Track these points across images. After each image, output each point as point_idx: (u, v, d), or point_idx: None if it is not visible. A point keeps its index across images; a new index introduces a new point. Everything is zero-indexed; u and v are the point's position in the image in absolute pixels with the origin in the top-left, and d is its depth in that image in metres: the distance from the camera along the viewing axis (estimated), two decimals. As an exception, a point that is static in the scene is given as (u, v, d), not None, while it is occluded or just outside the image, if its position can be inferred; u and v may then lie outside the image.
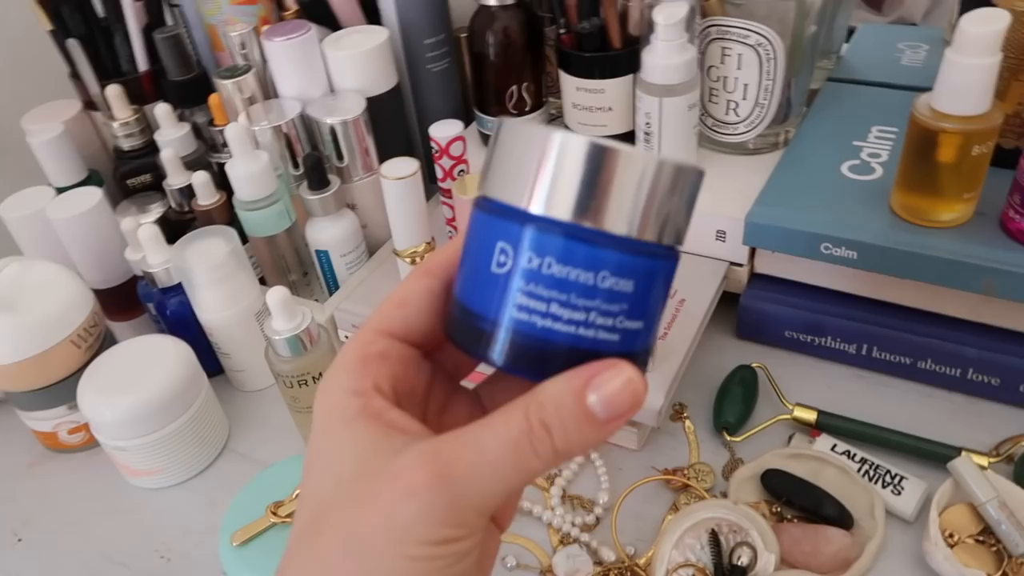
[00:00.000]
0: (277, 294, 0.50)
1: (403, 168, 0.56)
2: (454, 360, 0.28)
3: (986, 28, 0.45)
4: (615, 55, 0.62)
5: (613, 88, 0.63)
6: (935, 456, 0.50)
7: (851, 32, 0.78)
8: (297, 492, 0.45)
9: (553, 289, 0.22)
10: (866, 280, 0.56)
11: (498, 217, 0.23)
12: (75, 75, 0.77)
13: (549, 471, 0.22)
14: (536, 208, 0.22)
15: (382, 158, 0.63)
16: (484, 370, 0.28)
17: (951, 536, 0.46)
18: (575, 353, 0.22)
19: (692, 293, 0.58)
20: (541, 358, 0.22)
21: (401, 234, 0.57)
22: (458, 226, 0.61)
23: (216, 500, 0.55)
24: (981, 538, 0.45)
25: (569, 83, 0.64)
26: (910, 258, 0.51)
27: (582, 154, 0.22)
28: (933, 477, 0.49)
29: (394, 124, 0.69)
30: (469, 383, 0.29)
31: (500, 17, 0.64)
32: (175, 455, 0.55)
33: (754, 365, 0.57)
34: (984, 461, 0.49)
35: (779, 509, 0.49)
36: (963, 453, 0.49)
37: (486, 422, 0.23)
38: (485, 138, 0.71)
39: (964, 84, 0.46)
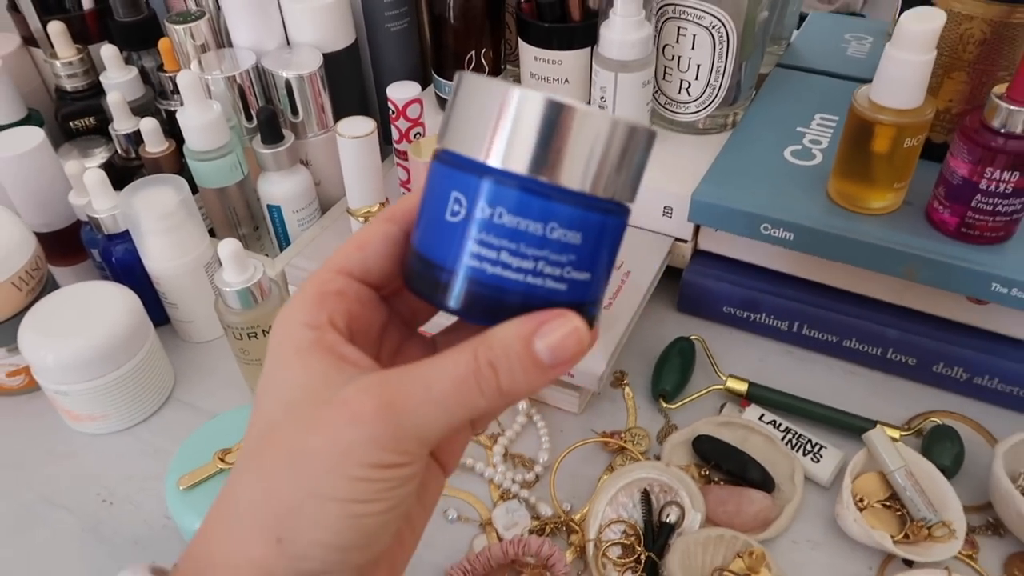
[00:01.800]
0: (229, 246, 0.50)
1: (360, 127, 0.56)
2: (411, 307, 0.29)
3: (924, 26, 0.47)
4: (574, 27, 0.62)
5: (571, 60, 0.63)
6: (853, 428, 0.54)
7: (802, 19, 0.80)
8: (246, 441, 0.46)
9: (504, 238, 0.23)
10: (800, 261, 0.59)
11: (454, 168, 0.24)
12: (14, 7, 0.74)
13: (492, 413, 0.23)
14: (490, 160, 0.23)
15: (337, 116, 0.63)
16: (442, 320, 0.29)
17: (861, 501, 0.49)
18: (525, 300, 0.23)
19: (637, 265, 0.60)
20: (492, 305, 0.23)
21: (356, 193, 0.58)
22: (413, 188, 0.61)
23: (160, 448, 0.55)
24: (888, 503, 0.49)
25: (528, 52, 0.65)
26: (841, 242, 0.54)
27: (538, 110, 0.22)
28: (850, 447, 0.53)
29: (350, 82, 0.69)
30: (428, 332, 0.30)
31: (462, -20, 0.65)
32: (120, 402, 0.55)
33: (692, 337, 0.59)
34: (896, 434, 0.53)
35: (707, 472, 0.52)
36: (877, 426, 0.52)
37: (435, 359, 0.24)
38: (442, 102, 0.71)
39: (901, 78, 0.49)
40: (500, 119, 0.23)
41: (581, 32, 0.62)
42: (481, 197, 0.23)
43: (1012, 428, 0.51)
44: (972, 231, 0.51)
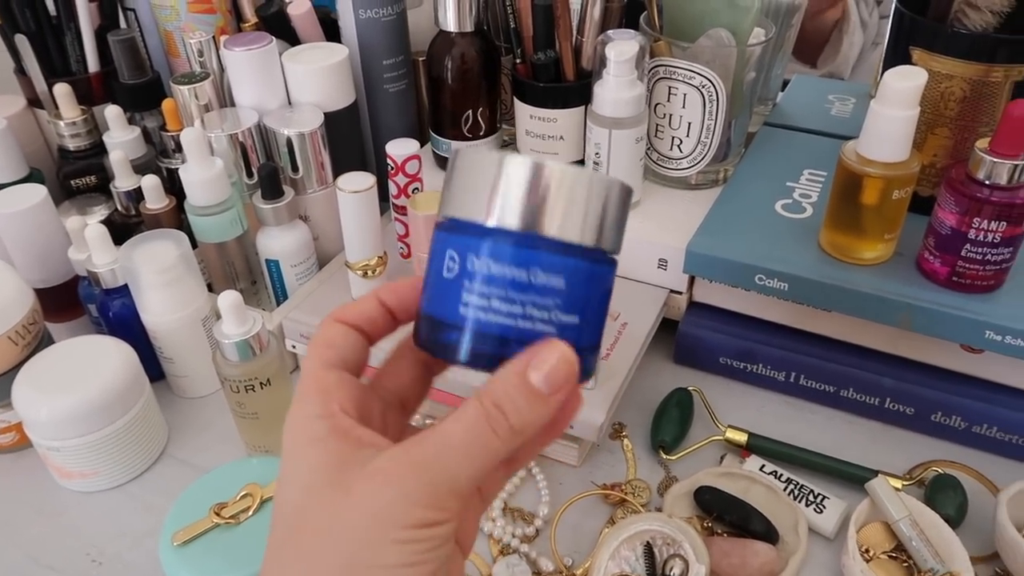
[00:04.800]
0: (229, 297, 0.50)
1: (360, 182, 0.57)
2: (400, 397, 0.30)
3: (906, 84, 0.49)
4: (568, 87, 0.64)
5: (565, 118, 0.65)
6: (854, 478, 0.53)
7: (786, 83, 0.83)
8: (243, 493, 0.45)
9: (493, 286, 0.24)
10: (795, 311, 0.60)
11: (446, 231, 0.26)
12: (20, 71, 0.75)
13: (512, 448, 0.24)
14: (475, 217, 0.25)
15: (336, 173, 0.64)
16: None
17: (867, 551, 0.49)
18: (518, 344, 0.24)
19: (634, 317, 0.60)
20: (492, 350, 0.25)
21: (355, 246, 0.58)
22: (411, 242, 0.62)
23: (152, 505, 0.54)
24: (894, 554, 0.49)
25: (523, 111, 0.66)
26: (835, 291, 0.54)
27: (510, 170, 0.25)
28: (852, 497, 0.52)
29: (349, 140, 0.70)
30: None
31: (458, 43, 0.67)
32: (112, 458, 0.54)
33: (690, 388, 0.59)
34: (898, 484, 0.52)
35: (710, 524, 0.51)
36: (879, 475, 0.52)
37: (447, 417, 0.24)
38: (440, 159, 0.72)
39: (886, 133, 0.51)
40: (480, 181, 0.25)
41: (575, 91, 0.64)
42: (470, 251, 0.25)
43: (1013, 476, 0.51)
44: (963, 280, 0.52)
